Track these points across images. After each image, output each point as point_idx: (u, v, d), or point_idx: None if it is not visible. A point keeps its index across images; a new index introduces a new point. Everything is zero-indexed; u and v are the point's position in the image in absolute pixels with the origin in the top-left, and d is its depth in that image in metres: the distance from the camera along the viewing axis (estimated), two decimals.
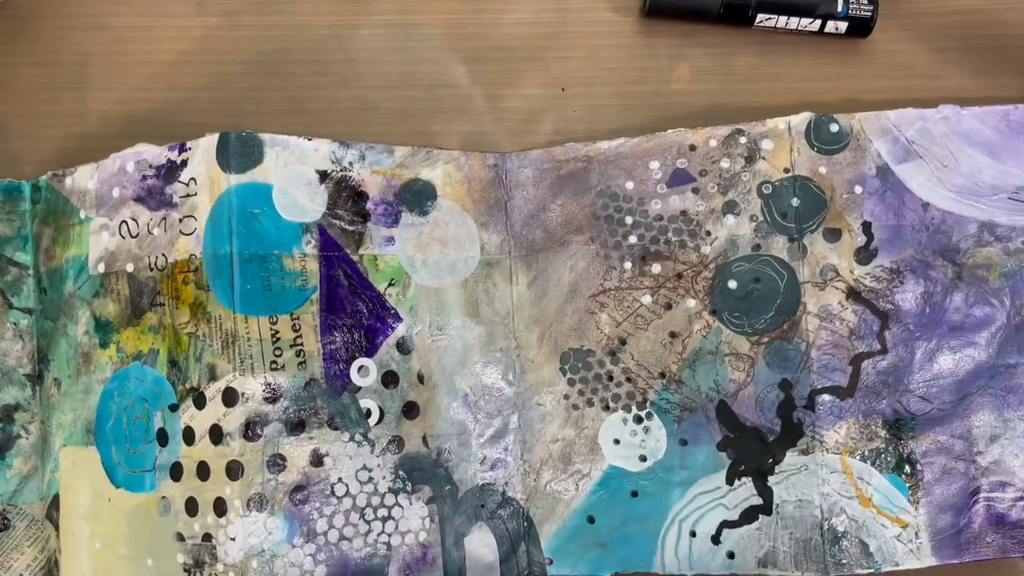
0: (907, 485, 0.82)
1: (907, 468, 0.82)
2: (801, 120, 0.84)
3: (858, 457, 0.82)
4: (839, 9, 0.87)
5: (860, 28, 0.88)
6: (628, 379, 0.83)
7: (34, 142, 0.88)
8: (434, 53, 0.89)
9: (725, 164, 0.84)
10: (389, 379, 0.81)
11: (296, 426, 0.78)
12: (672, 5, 0.88)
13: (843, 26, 0.88)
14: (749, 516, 0.82)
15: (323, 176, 0.80)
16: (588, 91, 0.89)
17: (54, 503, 0.83)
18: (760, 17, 0.87)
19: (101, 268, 0.81)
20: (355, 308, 0.80)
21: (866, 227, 0.83)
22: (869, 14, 0.87)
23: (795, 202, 0.83)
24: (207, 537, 0.77)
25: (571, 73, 0.89)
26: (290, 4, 0.89)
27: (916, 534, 0.82)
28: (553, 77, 0.89)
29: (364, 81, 0.89)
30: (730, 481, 0.82)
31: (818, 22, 0.88)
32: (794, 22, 0.88)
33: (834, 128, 0.84)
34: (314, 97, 0.88)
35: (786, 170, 0.83)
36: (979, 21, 0.90)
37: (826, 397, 0.82)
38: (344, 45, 0.89)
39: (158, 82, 0.88)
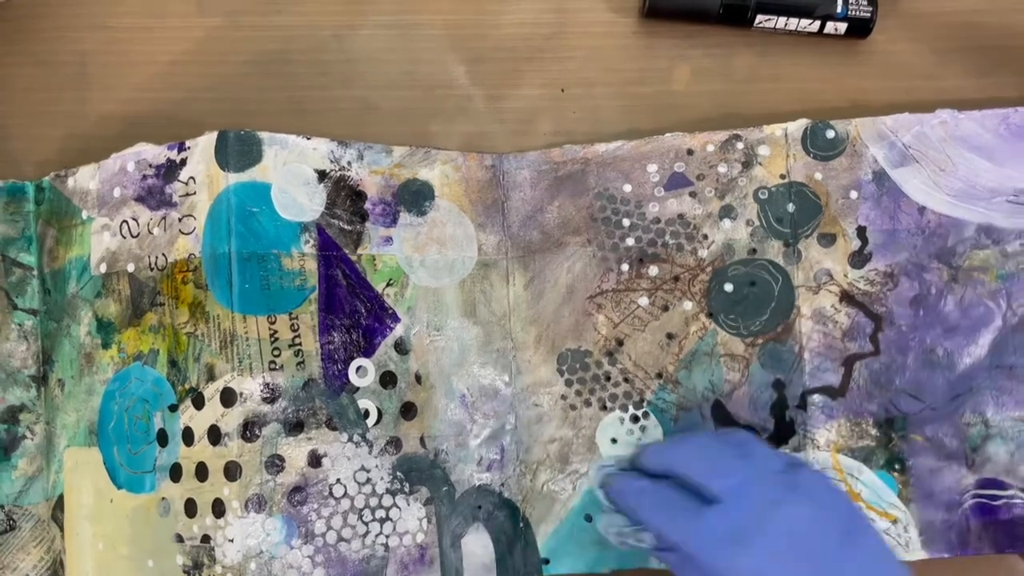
0: (897, 482, 0.83)
1: (897, 466, 0.83)
2: (798, 127, 0.84)
3: (848, 454, 0.83)
4: (838, 10, 0.87)
5: (859, 29, 0.88)
6: (625, 379, 0.84)
7: (34, 142, 0.88)
8: (434, 53, 0.89)
9: (722, 169, 0.84)
10: (387, 379, 0.81)
11: (294, 427, 0.78)
12: (672, 6, 0.88)
13: (842, 27, 0.88)
14: None
15: (322, 175, 0.80)
16: (588, 92, 0.89)
17: (59, 504, 0.83)
18: (759, 18, 0.87)
19: (103, 268, 0.81)
20: (353, 308, 0.80)
21: (861, 231, 0.83)
22: (868, 15, 0.87)
23: (790, 208, 0.83)
24: (206, 538, 0.77)
25: (571, 73, 0.89)
26: (291, 4, 0.89)
27: (906, 528, 0.82)
28: (553, 77, 0.89)
29: (364, 81, 0.89)
30: None
31: (817, 23, 0.88)
32: (793, 23, 0.88)
33: (830, 134, 0.84)
34: (314, 97, 0.89)
35: (782, 176, 0.84)
36: (979, 21, 0.90)
37: (817, 397, 0.83)
38: (344, 45, 0.89)
39: (158, 82, 0.88)
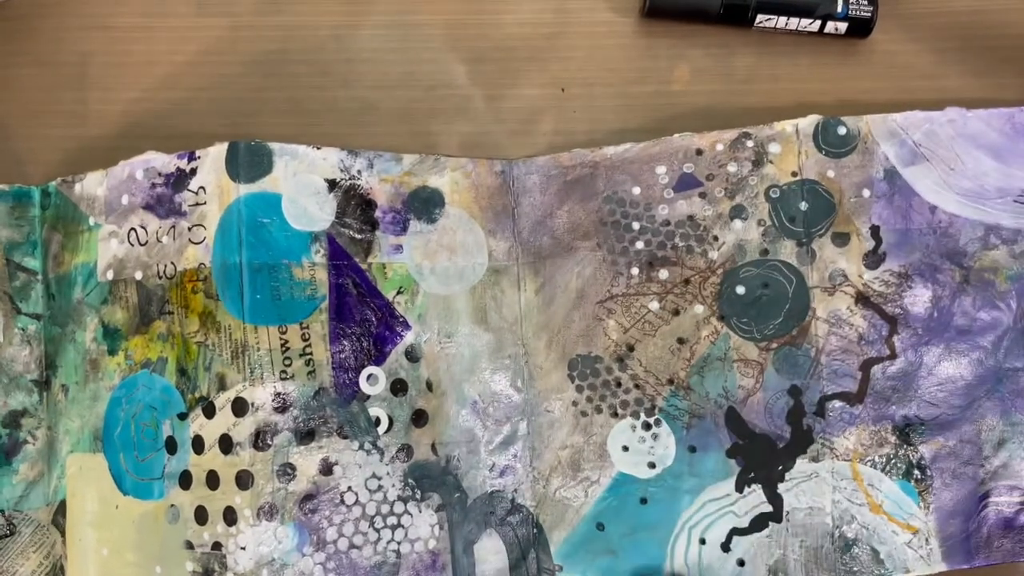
0: (917, 491, 0.83)
1: (917, 474, 0.83)
2: (809, 123, 0.84)
3: (868, 463, 0.83)
4: (839, 10, 0.87)
5: (860, 29, 0.88)
6: (636, 385, 0.83)
7: (34, 142, 0.87)
8: (434, 53, 0.89)
9: (732, 168, 0.84)
10: (398, 387, 0.81)
11: (306, 435, 0.78)
12: (672, 5, 0.88)
13: (843, 27, 0.88)
14: (759, 523, 0.82)
15: (332, 185, 0.80)
16: (588, 91, 0.89)
17: (60, 509, 0.83)
18: (760, 18, 0.87)
19: (110, 275, 0.81)
20: (364, 316, 0.80)
21: (874, 231, 0.83)
22: (869, 15, 0.87)
23: (803, 206, 0.83)
24: (217, 546, 0.77)
25: (571, 73, 0.89)
26: (290, 4, 0.89)
27: (927, 540, 0.82)
28: (553, 77, 0.89)
29: (364, 81, 0.88)
30: (740, 488, 0.83)
31: (818, 23, 0.88)
32: (794, 23, 0.88)
33: (842, 131, 0.83)
34: (314, 97, 0.88)
35: (794, 174, 0.83)
36: (979, 21, 0.90)
37: (836, 403, 0.82)
38: (344, 45, 0.89)
39: (158, 83, 0.88)
